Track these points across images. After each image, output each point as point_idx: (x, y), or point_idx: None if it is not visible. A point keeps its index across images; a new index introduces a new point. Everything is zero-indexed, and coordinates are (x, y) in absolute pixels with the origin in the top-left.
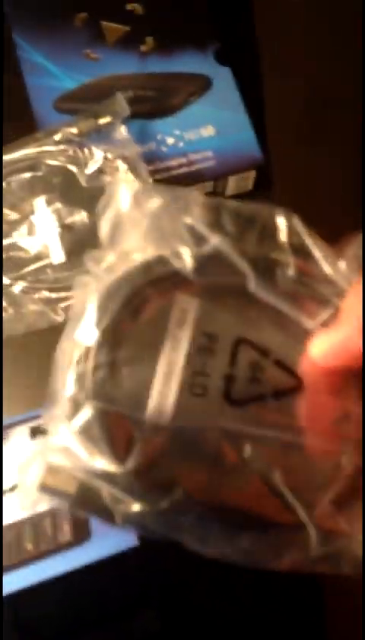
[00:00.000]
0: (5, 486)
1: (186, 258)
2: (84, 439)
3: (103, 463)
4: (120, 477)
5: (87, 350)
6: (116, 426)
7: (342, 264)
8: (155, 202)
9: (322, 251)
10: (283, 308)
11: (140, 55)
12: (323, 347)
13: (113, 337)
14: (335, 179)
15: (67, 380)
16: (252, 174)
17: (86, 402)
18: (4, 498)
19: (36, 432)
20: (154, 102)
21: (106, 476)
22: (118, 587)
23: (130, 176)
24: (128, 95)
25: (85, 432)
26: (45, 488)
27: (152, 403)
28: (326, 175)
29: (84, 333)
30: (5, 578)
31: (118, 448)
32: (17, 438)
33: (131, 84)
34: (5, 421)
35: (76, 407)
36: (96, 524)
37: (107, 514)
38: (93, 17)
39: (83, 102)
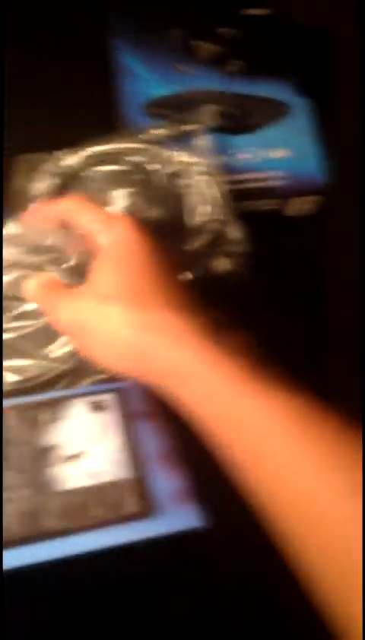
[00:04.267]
0: (68, 454)
1: None
2: None
3: None
4: None
5: None
6: None
7: None
8: None
9: None
10: None
11: (226, 75)
12: None
13: None
14: None
15: None
16: (315, 199)
17: None
18: (66, 466)
19: (97, 407)
20: (235, 119)
21: None
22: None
23: (205, 181)
24: (215, 109)
25: None
26: None
27: None
28: None
29: None
30: (67, 541)
31: None
32: (77, 410)
33: (216, 100)
34: (64, 393)
35: None
36: (162, 500)
37: None
38: (187, 34)
39: (169, 109)
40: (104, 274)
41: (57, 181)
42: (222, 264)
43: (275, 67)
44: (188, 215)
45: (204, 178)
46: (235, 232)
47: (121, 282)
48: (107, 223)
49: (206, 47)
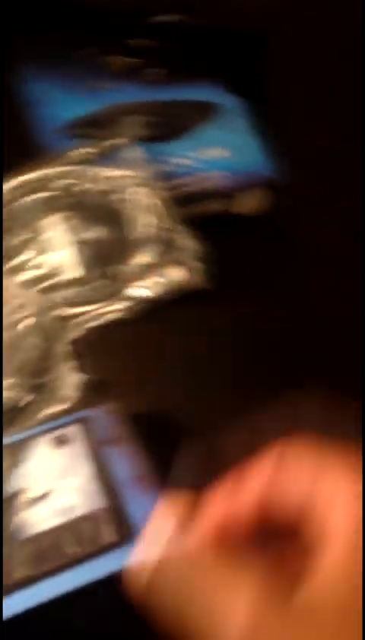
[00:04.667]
0: (34, 496)
1: None
2: None
3: None
4: None
5: None
6: None
7: None
8: None
9: None
10: None
11: (148, 84)
12: None
13: None
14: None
15: None
16: (263, 193)
17: None
18: (34, 509)
19: (61, 441)
20: (164, 126)
21: None
22: None
23: (143, 192)
24: (141, 119)
25: None
26: None
27: None
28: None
29: None
30: (42, 586)
31: None
32: (40, 449)
33: (141, 111)
34: (23, 435)
35: None
36: (140, 524)
37: None
38: (100, 51)
39: (91, 127)
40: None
41: None
42: (177, 275)
43: (197, 70)
44: (130, 229)
45: (142, 189)
46: (184, 239)
47: None
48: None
49: (118, 61)
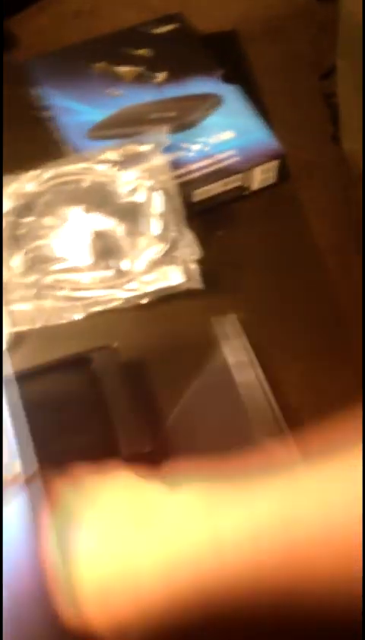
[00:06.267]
0: None
1: None
2: None
3: None
4: None
5: None
6: None
7: None
8: None
9: None
10: None
11: (155, 86)
12: None
13: None
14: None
15: None
16: (275, 165)
17: None
18: None
19: None
20: (175, 120)
21: None
22: None
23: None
24: (152, 117)
25: None
26: None
27: None
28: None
29: None
30: None
31: None
32: None
33: (153, 109)
34: None
35: None
36: None
37: None
38: (109, 64)
39: (112, 129)
40: None
41: (21, 202)
42: (174, 276)
43: (195, 67)
44: (142, 227)
45: (159, 192)
46: (187, 242)
47: None
48: None
49: (130, 70)
